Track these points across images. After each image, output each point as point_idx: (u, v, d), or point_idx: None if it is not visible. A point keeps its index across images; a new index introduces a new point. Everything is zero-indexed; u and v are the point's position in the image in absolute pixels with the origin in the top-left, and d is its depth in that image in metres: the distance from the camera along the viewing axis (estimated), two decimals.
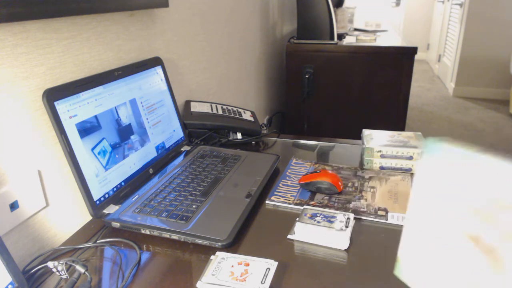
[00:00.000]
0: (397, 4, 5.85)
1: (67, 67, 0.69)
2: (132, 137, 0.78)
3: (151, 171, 0.82)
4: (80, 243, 0.65)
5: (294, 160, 0.92)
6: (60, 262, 0.55)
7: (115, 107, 0.75)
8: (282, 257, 0.59)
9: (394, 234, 0.65)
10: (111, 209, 0.69)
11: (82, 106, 0.67)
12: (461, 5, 4.14)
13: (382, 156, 0.85)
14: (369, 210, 0.71)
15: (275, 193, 0.78)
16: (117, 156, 0.73)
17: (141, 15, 0.90)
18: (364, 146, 0.87)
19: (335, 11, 2.15)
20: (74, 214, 0.72)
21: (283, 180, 0.83)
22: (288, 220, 0.69)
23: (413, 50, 1.99)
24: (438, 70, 5.16)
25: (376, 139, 0.89)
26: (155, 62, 0.89)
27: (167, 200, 0.72)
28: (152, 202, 0.71)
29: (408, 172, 0.85)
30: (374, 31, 2.64)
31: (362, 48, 2.07)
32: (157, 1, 0.90)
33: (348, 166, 0.88)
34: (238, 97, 1.65)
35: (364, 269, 0.58)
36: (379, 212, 0.70)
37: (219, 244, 0.61)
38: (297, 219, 0.66)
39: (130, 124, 0.78)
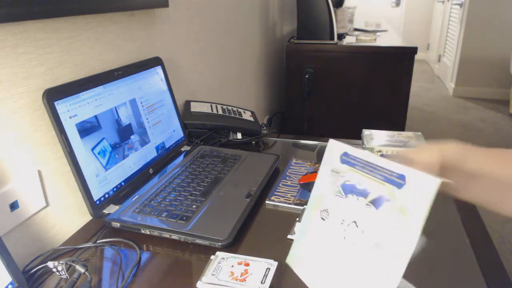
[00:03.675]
0: (397, 4, 5.85)
1: (67, 67, 0.69)
2: (132, 137, 0.78)
3: (151, 171, 0.82)
4: (80, 243, 0.65)
5: (294, 160, 0.92)
6: (60, 262, 0.55)
7: (115, 107, 0.75)
8: (282, 257, 0.59)
9: None
10: (111, 209, 0.69)
11: (82, 106, 0.67)
12: (461, 5, 4.14)
13: (382, 156, 0.85)
14: None
15: (275, 193, 0.78)
16: (117, 156, 0.73)
17: (141, 15, 0.90)
18: (364, 146, 0.87)
19: (335, 11, 2.15)
20: (74, 214, 0.72)
21: (283, 180, 0.83)
22: (288, 220, 0.69)
23: (413, 50, 1.99)
24: (438, 70, 5.16)
25: (376, 139, 0.89)
26: (155, 62, 0.89)
27: (167, 200, 0.72)
28: (152, 202, 0.71)
29: None
30: (374, 31, 2.64)
31: (362, 48, 2.07)
32: (157, 1, 0.90)
33: None
34: (238, 97, 1.65)
35: None
36: None
37: (219, 244, 0.61)
38: (297, 219, 0.66)
39: (130, 124, 0.78)
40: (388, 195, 0.39)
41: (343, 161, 0.44)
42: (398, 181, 0.39)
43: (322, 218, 0.44)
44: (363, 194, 0.41)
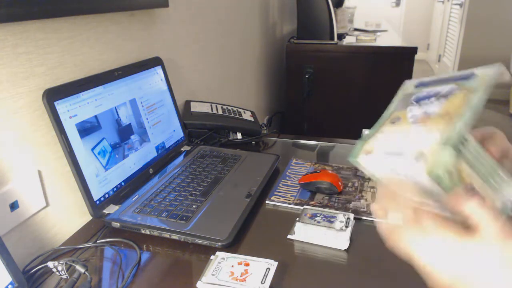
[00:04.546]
0: (397, 4, 5.85)
1: (67, 67, 0.69)
2: (132, 137, 0.78)
3: (151, 171, 0.82)
4: (80, 243, 0.65)
5: (294, 160, 0.92)
6: (60, 262, 0.55)
7: (115, 107, 0.75)
8: (282, 257, 0.59)
9: None
10: (111, 209, 0.69)
11: (82, 106, 0.67)
12: (461, 5, 4.14)
13: None
14: (369, 210, 0.71)
15: (275, 193, 0.78)
16: (117, 156, 0.73)
17: (141, 15, 0.90)
18: None
19: (335, 11, 2.15)
20: (74, 214, 0.72)
21: (283, 180, 0.83)
22: (288, 220, 0.69)
23: (413, 50, 1.99)
24: (438, 70, 5.16)
25: None
26: (155, 62, 0.89)
27: (167, 200, 0.72)
28: (152, 202, 0.71)
29: None
30: (374, 31, 2.64)
31: (362, 48, 2.07)
32: (157, 1, 0.90)
33: (348, 166, 0.88)
34: (238, 97, 1.65)
35: (364, 269, 0.58)
36: None
37: (219, 244, 0.61)
38: (297, 219, 0.66)
39: (130, 124, 0.78)
40: (457, 86, 0.42)
41: (417, 85, 0.48)
42: (468, 76, 0.42)
43: (392, 122, 0.45)
44: (435, 95, 0.43)
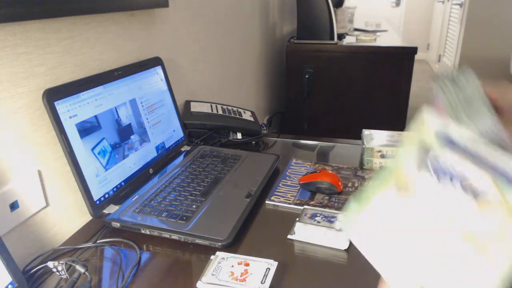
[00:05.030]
0: (397, 4, 5.85)
1: (67, 67, 0.69)
2: (132, 137, 0.78)
3: (151, 171, 0.82)
4: (80, 243, 0.65)
5: (294, 160, 0.91)
6: (60, 262, 0.55)
7: (115, 107, 0.75)
8: (282, 257, 0.59)
9: None
10: (111, 209, 0.69)
11: (82, 106, 0.67)
12: (461, 5, 4.14)
13: (382, 156, 0.85)
14: None
15: (275, 193, 0.78)
16: (117, 156, 0.73)
17: (141, 15, 0.90)
18: (364, 146, 0.87)
19: (335, 11, 2.15)
20: (74, 214, 0.72)
21: (283, 180, 0.83)
22: (288, 220, 0.69)
23: (413, 50, 2.00)
24: (438, 70, 5.16)
25: (376, 139, 0.89)
26: (155, 62, 0.89)
27: (167, 200, 0.72)
28: (152, 202, 0.71)
29: None
30: (374, 31, 2.64)
31: (362, 48, 2.07)
32: (157, 1, 0.90)
33: (348, 166, 0.88)
34: (238, 97, 1.65)
35: (364, 269, 0.58)
36: None
37: (219, 244, 0.61)
38: (297, 219, 0.66)
39: (130, 124, 0.78)
40: (495, 188, 0.31)
41: (439, 138, 0.36)
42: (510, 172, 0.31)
43: (398, 188, 0.37)
44: (459, 178, 0.33)
